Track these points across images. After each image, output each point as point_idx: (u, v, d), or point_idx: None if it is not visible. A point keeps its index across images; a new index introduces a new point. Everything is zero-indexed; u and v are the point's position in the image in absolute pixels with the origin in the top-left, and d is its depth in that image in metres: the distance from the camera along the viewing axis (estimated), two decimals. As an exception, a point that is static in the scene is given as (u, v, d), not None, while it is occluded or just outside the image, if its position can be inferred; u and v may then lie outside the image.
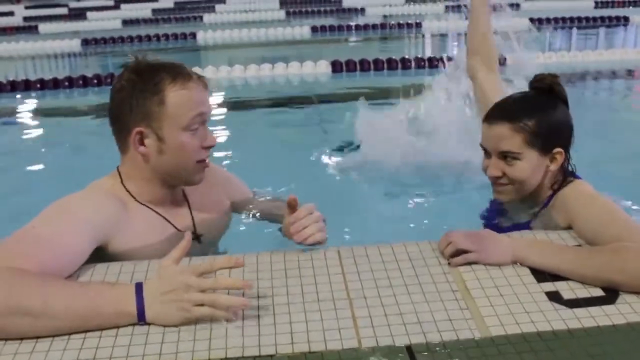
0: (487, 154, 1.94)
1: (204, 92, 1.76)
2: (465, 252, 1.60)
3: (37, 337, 1.35)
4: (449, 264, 1.60)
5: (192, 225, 1.90)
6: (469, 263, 1.60)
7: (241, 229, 2.28)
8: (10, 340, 1.34)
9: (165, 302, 1.38)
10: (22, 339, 1.34)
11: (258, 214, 2.16)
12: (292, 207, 1.71)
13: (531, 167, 1.87)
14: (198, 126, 1.73)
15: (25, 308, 1.32)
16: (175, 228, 1.83)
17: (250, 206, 2.17)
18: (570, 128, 1.92)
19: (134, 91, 1.69)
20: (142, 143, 1.71)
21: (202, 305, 1.38)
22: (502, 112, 1.90)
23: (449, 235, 1.63)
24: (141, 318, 1.38)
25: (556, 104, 1.89)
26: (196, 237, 1.88)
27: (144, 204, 1.78)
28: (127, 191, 1.77)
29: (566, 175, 1.93)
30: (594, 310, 1.41)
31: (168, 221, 1.83)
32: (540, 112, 1.87)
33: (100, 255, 1.64)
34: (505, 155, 1.87)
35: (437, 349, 1.29)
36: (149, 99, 1.68)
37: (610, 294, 1.47)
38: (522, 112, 1.86)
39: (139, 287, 1.40)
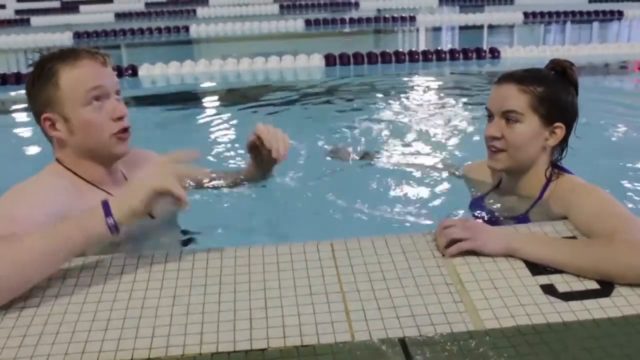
0: (490, 117, 1.96)
1: (99, 67, 1.81)
2: (460, 242, 1.59)
3: (50, 308, 1.41)
4: (442, 255, 1.59)
5: None
6: (463, 253, 1.58)
7: (233, 222, 2.26)
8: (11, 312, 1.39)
9: (128, 192, 1.51)
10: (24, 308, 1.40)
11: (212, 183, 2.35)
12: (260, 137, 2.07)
13: (530, 132, 1.90)
14: (101, 100, 1.79)
15: (7, 257, 1.37)
16: None
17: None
18: (574, 112, 1.94)
19: (34, 82, 1.79)
20: (54, 128, 1.80)
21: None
22: (512, 75, 1.95)
23: (444, 224, 1.62)
24: (107, 212, 1.46)
25: (567, 86, 1.93)
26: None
27: (91, 183, 1.85)
28: (73, 173, 1.84)
29: (560, 168, 1.96)
30: (589, 303, 1.40)
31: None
32: (549, 84, 1.91)
33: None
34: (507, 117, 1.90)
35: (431, 342, 1.27)
36: (46, 85, 1.77)
37: (606, 287, 1.45)
38: (531, 78, 1.91)
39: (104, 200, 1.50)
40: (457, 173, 2.54)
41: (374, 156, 3.10)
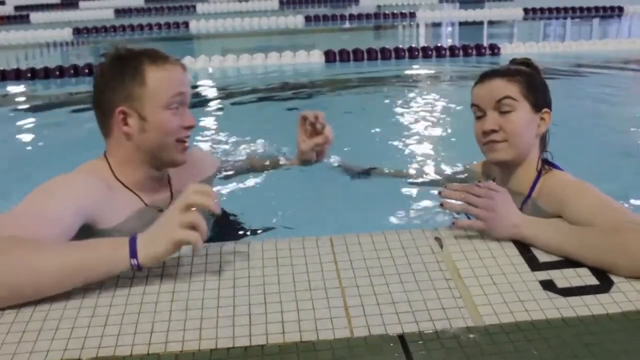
0: (480, 114, 1.97)
1: (182, 73, 1.85)
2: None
3: (49, 304, 1.39)
4: (441, 205, 1.63)
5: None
6: (462, 248, 1.59)
7: (232, 219, 2.26)
8: (11, 308, 1.38)
9: (152, 238, 1.43)
10: (30, 304, 1.39)
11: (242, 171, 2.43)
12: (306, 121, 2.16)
13: (525, 119, 1.93)
14: (178, 106, 1.82)
15: (26, 263, 1.35)
16: (156, 210, 1.89)
17: (230, 170, 2.40)
18: (551, 100, 2.02)
19: (115, 74, 1.78)
20: (125, 123, 1.79)
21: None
22: (495, 71, 2.00)
23: (470, 195, 1.63)
24: (133, 254, 1.41)
25: (538, 73, 2.01)
26: None
27: (127, 187, 1.84)
28: (113, 174, 1.84)
29: (549, 164, 1.99)
30: (588, 299, 1.40)
31: (147, 205, 1.89)
32: (528, 74, 1.98)
33: (85, 235, 1.64)
34: (501, 108, 1.92)
35: (430, 338, 1.27)
36: (130, 81, 1.77)
37: (605, 283, 1.45)
38: (513, 71, 1.98)
39: (134, 234, 1.45)
40: (459, 175, 2.52)
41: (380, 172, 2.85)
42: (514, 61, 2.05)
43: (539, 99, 1.95)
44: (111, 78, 1.79)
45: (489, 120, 1.94)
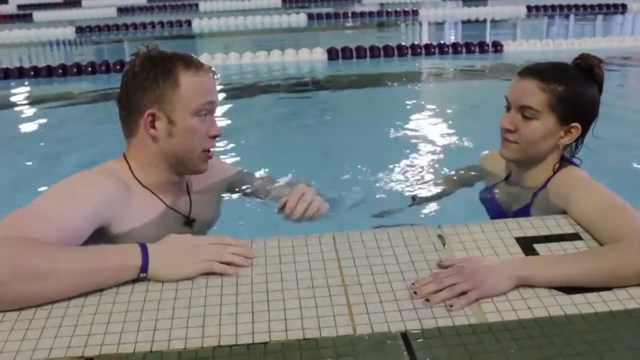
0: (508, 108, 1.94)
1: (213, 82, 1.83)
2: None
3: (51, 303, 1.39)
4: (451, 306, 1.36)
5: (188, 211, 1.95)
6: (462, 240, 1.58)
7: (235, 215, 2.26)
8: (24, 309, 1.37)
9: (172, 257, 1.49)
10: (34, 306, 1.38)
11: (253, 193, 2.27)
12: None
13: (545, 131, 1.88)
14: (206, 113, 1.80)
15: (34, 268, 1.34)
16: (175, 212, 1.89)
17: (244, 187, 2.28)
18: (594, 111, 1.92)
19: (148, 75, 1.74)
20: (153, 126, 1.76)
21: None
22: (535, 70, 1.91)
23: (440, 279, 1.42)
24: (144, 269, 1.46)
25: (590, 84, 1.90)
26: (188, 222, 1.93)
27: (147, 188, 1.82)
28: (133, 174, 1.81)
29: (566, 160, 1.95)
30: (591, 296, 1.39)
31: (168, 206, 1.87)
32: (571, 82, 1.88)
33: (101, 236, 1.64)
34: (524, 112, 1.88)
35: (433, 335, 1.27)
36: (163, 83, 1.74)
37: (608, 280, 1.45)
38: (554, 76, 1.87)
39: (143, 244, 1.48)
40: (473, 171, 2.50)
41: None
42: (583, 57, 1.92)
43: (570, 113, 1.86)
44: (144, 79, 1.74)
45: (508, 119, 1.92)
